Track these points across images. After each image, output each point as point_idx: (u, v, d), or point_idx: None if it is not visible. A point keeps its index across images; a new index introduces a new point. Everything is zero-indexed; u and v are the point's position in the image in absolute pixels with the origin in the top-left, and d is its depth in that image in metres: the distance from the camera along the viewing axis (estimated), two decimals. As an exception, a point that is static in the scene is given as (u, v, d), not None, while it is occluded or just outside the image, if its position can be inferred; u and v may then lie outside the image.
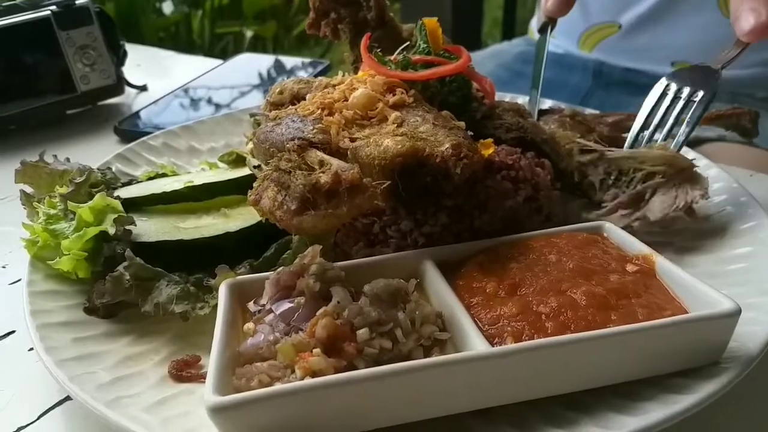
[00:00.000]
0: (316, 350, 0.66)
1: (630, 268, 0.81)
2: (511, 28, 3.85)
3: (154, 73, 2.06)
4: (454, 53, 1.06)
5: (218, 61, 2.07)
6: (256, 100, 1.72)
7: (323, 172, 0.72)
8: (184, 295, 0.84)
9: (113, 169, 1.16)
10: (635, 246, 0.85)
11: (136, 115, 1.64)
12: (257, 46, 4.50)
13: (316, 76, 1.58)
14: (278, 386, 0.62)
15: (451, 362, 0.64)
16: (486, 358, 0.65)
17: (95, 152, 1.34)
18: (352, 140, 0.87)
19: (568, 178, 1.02)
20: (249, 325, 0.74)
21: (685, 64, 1.75)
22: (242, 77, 1.93)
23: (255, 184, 0.78)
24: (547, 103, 1.44)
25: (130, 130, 1.54)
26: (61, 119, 1.68)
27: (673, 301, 0.75)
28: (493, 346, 0.70)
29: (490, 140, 0.95)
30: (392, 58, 1.03)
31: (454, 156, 0.79)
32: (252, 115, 1.26)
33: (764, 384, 0.79)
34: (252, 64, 2.02)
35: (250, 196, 0.77)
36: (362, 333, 0.68)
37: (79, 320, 0.84)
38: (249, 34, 4.46)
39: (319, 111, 0.92)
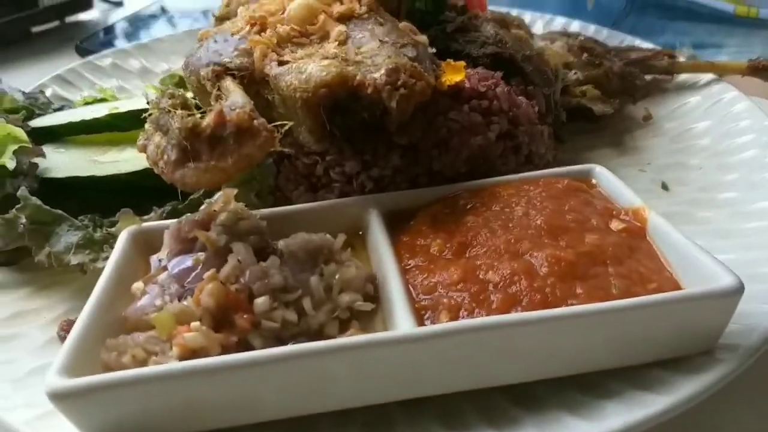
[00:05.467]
0: (195, 324, 0.53)
1: (615, 225, 0.65)
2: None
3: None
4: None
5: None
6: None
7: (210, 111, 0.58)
8: (86, 243, 0.72)
9: (48, 92, 1.03)
10: (627, 197, 0.68)
11: (101, 32, 1.49)
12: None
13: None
14: (125, 372, 0.50)
15: (340, 348, 0.51)
16: (396, 343, 0.51)
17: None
18: (282, 64, 0.71)
19: (553, 107, 0.85)
20: (138, 285, 0.62)
21: None
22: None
23: (146, 126, 0.64)
24: (573, 26, 1.23)
25: (91, 49, 1.40)
26: (26, 37, 1.55)
27: (661, 271, 0.60)
28: (424, 322, 0.56)
29: (461, 63, 0.77)
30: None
31: (388, 84, 0.62)
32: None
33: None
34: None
35: (138, 140, 0.64)
36: (261, 302, 0.56)
37: (-29, 268, 0.74)
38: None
39: (248, 28, 0.76)
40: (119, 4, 1.70)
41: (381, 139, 0.74)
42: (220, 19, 0.97)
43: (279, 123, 0.61)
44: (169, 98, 0.62)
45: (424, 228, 0.67)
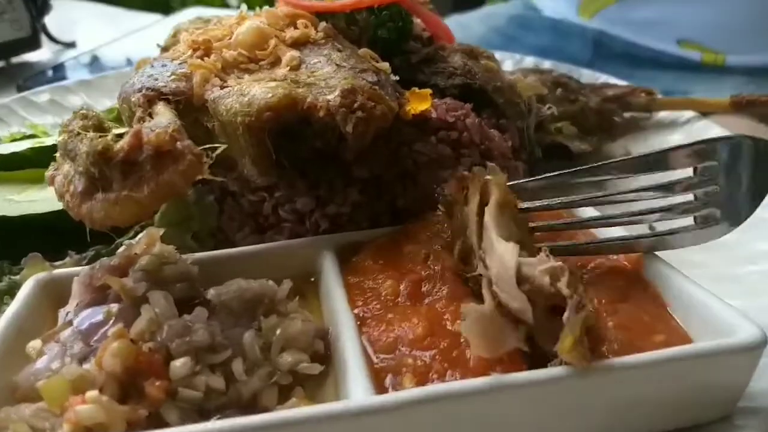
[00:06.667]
0: (92, 393, 0.42)
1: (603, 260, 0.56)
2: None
3: (93, 30, 1.82)
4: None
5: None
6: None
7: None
8: (-16, 293, 0.61)
9: (-28, 128, 0.93)
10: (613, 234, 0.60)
11: (50, 71, 1.40)
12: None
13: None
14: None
15: (276, 424, 0.40)
16: (345, 417, 0.40)
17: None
18: (224, 89, 0.62)
19: (527, 143, 0.77)
20: (34, 344, 0.51)
21: (690, 44, 1.52)
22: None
23: (57, 155, 0.55)
24: (545, 65, 1.19)
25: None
26: (-31, 76, 1.45)
27: (665, 319, 0.51)
28: (387, 388, 0.46)
29: (427, 90, 0.70)
30: (309, -17, 0.79)
31: (343, 107, 0.54)
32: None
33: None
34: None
35: (47, 171, 0.54)
36: (179, 365, 0.45)
37: None
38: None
39: (190, 52, 0.68)
40: (71, 45, 1.61)
41: (338, 171, 0.65)
42: (166, 50, 0.89)
43: (209, 146, 0.51)
44: (81, 119, 0.52)
45: (368, 263, 0.58)
